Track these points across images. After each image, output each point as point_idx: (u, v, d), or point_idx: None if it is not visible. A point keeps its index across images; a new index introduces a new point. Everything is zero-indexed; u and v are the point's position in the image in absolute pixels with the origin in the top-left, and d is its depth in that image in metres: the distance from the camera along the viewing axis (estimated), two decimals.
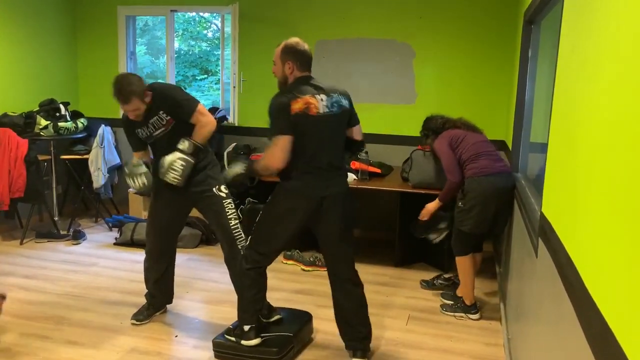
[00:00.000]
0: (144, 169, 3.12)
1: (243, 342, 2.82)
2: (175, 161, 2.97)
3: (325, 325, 3.24)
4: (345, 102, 2.77)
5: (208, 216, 3.23)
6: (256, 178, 4.71)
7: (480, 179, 3.42)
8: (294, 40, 2.74)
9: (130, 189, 3.04)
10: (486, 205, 3.40)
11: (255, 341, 2.82)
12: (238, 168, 2.85)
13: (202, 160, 3.11)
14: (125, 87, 2.86)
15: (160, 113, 3.00)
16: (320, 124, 2.66)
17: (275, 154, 2.60)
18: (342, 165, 2.85)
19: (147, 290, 3.39)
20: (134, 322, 3.29)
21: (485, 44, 4.78)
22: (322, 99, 2.66)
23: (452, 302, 3.65)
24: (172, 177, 2.97)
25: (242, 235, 3.12)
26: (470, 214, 3.42)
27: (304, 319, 3.15)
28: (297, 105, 2.59)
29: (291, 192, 2.71)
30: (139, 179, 3.10)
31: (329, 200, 2.70)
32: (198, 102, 3.08)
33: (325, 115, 2.66)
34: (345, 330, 2.90)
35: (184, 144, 2.99)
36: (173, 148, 2.99)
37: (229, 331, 2.93)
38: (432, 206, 3.70)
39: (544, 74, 3.20)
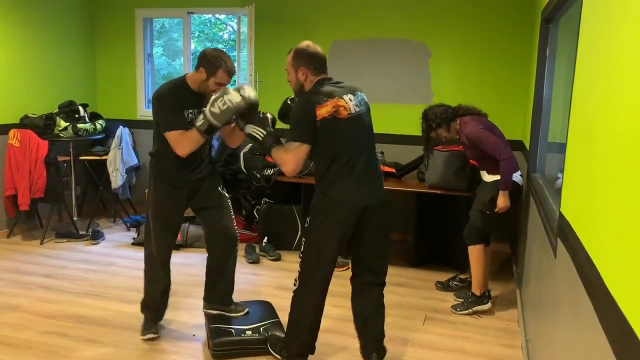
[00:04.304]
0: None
1: None
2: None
3: (342, 325, 3.24)
4: (366, 99, 2.64)
5: (212, 214, 3.07)
6: (272, 179, 4.75)
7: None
8: (303, 44, 2.59)
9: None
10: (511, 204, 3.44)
11: None
12: (259, 134, 2.60)
13: (208, 162, 3.11)
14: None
15: None
16: (353, 125, 2.49)
17: (290, 161, 2.44)
18: (379, 167, 2.66)
19: (147, 304, 3.19)
20: (151, 336, 3.10)
21: (501, 43, 4.75)
22: (350, 99, 2.52)
23: (462, 300, 3.65)
24: (248, 93, 2.73)
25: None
26: (493, 212, 3.44)
27: (269, 306, 3.31)
28: (324, 110, 2.43)
29: (331, 207, 2.50)
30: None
31: (370, 210, 2.52)
32: None
33: (356, 115, 2.51)
34: (366, 333, 2.72)
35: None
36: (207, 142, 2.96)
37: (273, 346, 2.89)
38: (504, 201, 3.38)
39: (562, 73, 3.17)
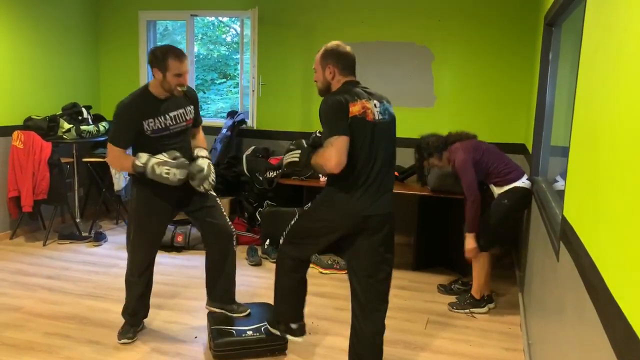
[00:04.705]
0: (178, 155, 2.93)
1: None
2: (210, 165, 3.00)
3: (344, 328, 3.24)
4: (392, 110, 2.57)
5: (204, 214, 3.09)
6: (275, 181, 4.76)
7: (517, 188, 3.48)
8: (334, 42, 2.55)
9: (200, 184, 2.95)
10: (517, 212, 3.46)
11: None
12: (295, 156, 2.61)
13: None
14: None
15: (189, 108, 3.01)
16: (375, 131, 2.42)
17: (332, 156, 2.30)
18: (392, 180, 2.56)
19: (125, 308, 3.19)
20: (126, 341, 3.09)
21: (504, 46, 4.75)
22: (375, 105, 2.45)
23: (460, 297, 3.71)
24: (212, 179, 2.98)
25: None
26: (502, 221, 3.47)
27: (270, 307, 3.25)
28: (355, 108, 2.37)
29: (334, 204, 2.47)
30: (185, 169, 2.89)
31: (372, 221, 2.45)
32: None
33: (380, 123, 2.44)
34: None
35: (203, 152, 3.05)
36: (170, 148, 2.92)
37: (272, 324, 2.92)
38: (471, 244, 3.48)
39: (565, 77, 3.17)
